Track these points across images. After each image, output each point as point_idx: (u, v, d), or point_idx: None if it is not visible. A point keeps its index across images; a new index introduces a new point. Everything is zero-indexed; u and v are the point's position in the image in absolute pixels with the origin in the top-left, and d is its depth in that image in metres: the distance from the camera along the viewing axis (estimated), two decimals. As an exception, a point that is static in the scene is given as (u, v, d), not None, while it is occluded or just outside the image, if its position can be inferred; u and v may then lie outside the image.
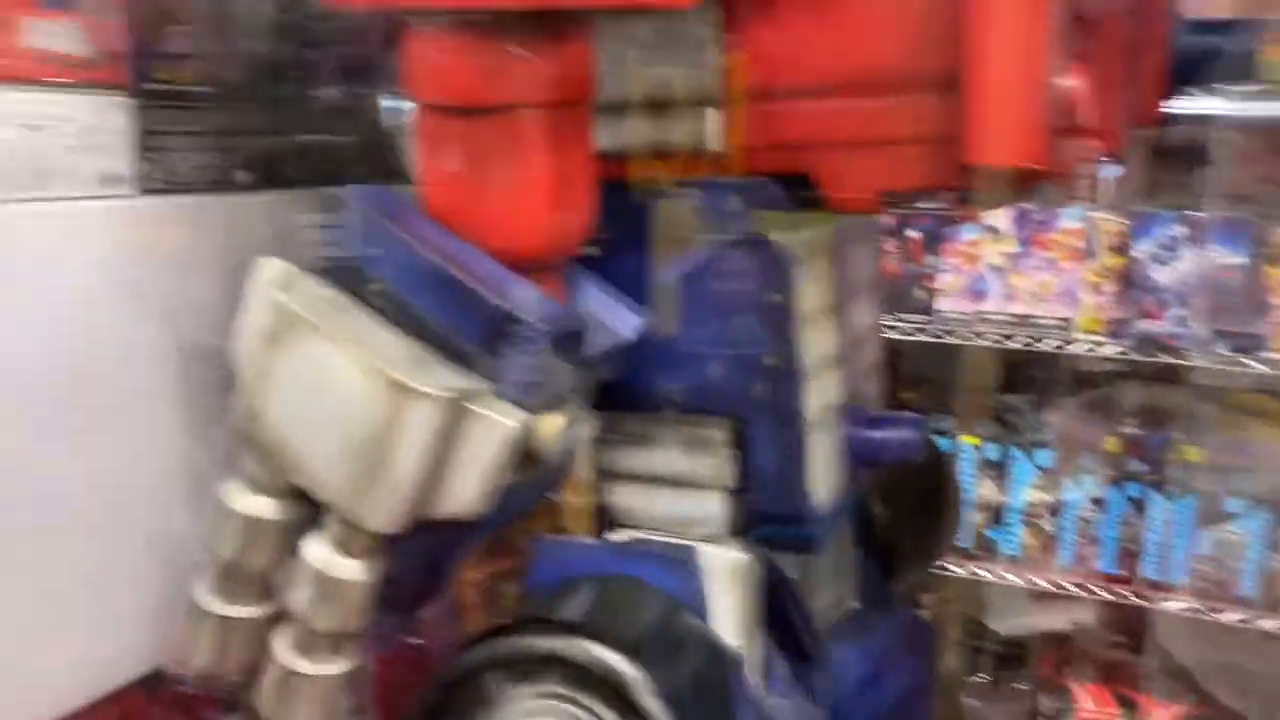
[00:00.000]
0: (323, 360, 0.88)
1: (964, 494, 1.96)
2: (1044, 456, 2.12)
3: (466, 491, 0.88)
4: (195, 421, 1.07)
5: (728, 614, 1.07)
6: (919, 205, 1.91)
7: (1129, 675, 2.16)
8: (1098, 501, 2.07)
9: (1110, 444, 2.10)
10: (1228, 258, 1.94)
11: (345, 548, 0.90)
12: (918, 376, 2.17)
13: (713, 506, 1.09)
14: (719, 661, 1.06)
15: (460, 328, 0.91)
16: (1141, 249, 2.00)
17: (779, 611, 1.13)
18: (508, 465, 0.88)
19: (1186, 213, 1.96)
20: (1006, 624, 2.23)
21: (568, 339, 0.95)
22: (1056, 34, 0.89)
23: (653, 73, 1.02)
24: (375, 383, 0.85)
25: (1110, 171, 1.99)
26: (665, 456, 1.10)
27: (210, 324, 1.04)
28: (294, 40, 1.24)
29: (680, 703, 0.96)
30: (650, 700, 0.95)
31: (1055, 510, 2.10)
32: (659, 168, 1.05)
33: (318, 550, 0.91)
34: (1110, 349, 2.04)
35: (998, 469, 2.13)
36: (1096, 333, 2.04)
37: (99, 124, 1.01)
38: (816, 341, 1.08)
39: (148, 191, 1.05)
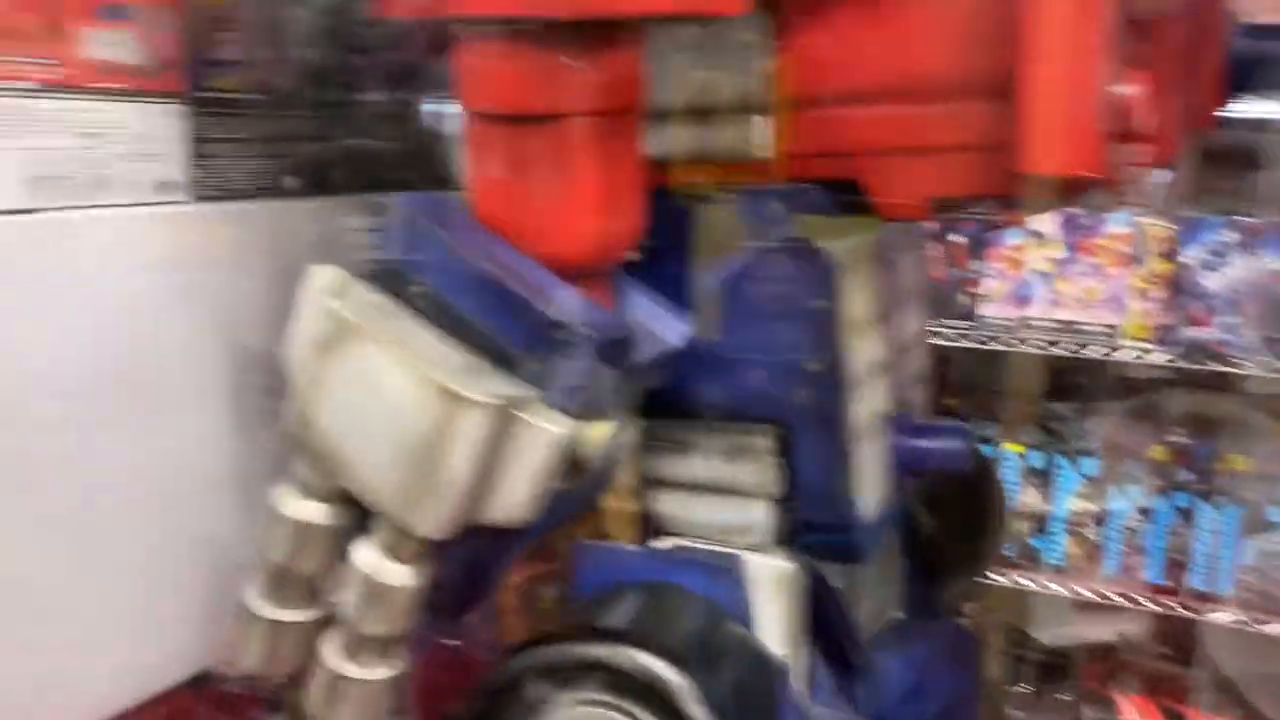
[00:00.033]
0: (374, 367, 0.88)
1: (1009, 503, 1.94)
2: (1089, 465, 2.09)
3: (515, 498, 0.88)
4: (245, 424, 1.08)
5: (773, 623, 1.07)
6: (967, 212, 1.90)
7: (1176, 687, 2.13)
8: (1144, 511, 2.05)
9: (1157, 452, 2.07)
10: (1279, 264, 1.91)
11: (394, 553, 0.91)
12: (961, 383, 2.15)
13: (757, 515, 1.08)
14: (764, 670, 1.05)
15: (508, 334, 0.92)
16: (1190, 255, 1.98)
17: (823, 621, 1.12)
18: (555, 472, 0.88)
19: (1237, 218, 1.93)
20: (1051, 634, 2.21)
21: (615, 346, 0.95)
22: (1112, 39, 0.88)
23: (699, 78, 1.02)
24: (426, 390, 0.85)
25: (1159, 176, 1.96)
26: (709, 464, 1.09)
27: (261, 328, 1.06)
28: (341, 46, 1.25)
29: (725, 711, 0.96)
30: (696, 708, 0.95)
31: (1100, 519, 2.08)
32: (701, 174, 1.04)
33: (367, 555, 0.91)
34: (1158, 356, 2.01)
35: (1042, 477, 2.11)
36: (1144, 340, 2.02)
37: (154, 132, 1.03)
38: (863, 349, 1.07)
39: (201, 198, 1.07)
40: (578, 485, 0.93)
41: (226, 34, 1.11)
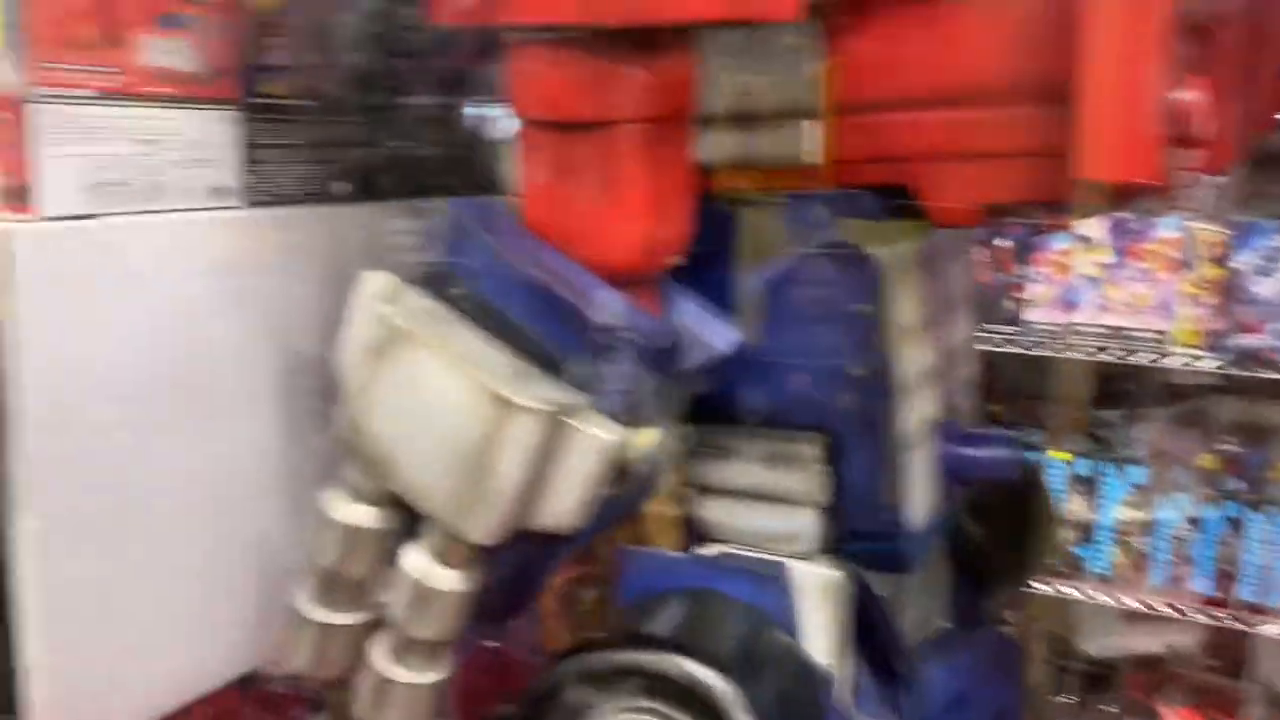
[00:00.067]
0: (426, 373, 0.89)
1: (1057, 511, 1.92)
2: (1136, 473, 2.06)
3: (564, 504, 0.88)
4: (295, 428, 1.09)
5: (818, 631, 1.06)
6: (1015, 217, 1.88)
7: (1224, 701, 2.09)
8: (1193, 521, 2.01)
9: (1206, 461, 2.03)
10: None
11: (444, 558, 0.91)
12: (1006, 389, 2.13)
13: (804, 522, 1.07)
14: (809, 679, 1.05)
15: (557, 340, 0.92)
16: (1242, 260, 1.94)
17: (869, 629, 1.11)
18: (604, 479, 0.88)
19: (1289, 223, 1.90)
20: (1098, 644, 2.18)
21: (663, 352, 0.94)
22: (1170, 44, 0.86)
23: (747, 83, 1.01)
24: (477, 396, 0.86)
25: (1211, 180, 1.93)
26: (756, 471, 1.09)
27: (311, 333, 1.07)
28: (388, 52, 1.26)
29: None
30: (742, 717, 0.94)
31: (1148, 528, 2.04)
32: (747, 179, 1.04)
33: (417, 560, 0.92)
34: (1208, 363, 1.98)
35: (1088, 485, 2.08)
36: (1194, 346, 1.98)
37: (208, 138, 1.04)
38: (912, 356, 1.06)
39: (253, 204, 1.08)
40: (624, 491, 0.93)
41: (276, 40, 1.12)
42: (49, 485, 0.90)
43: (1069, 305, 2.06)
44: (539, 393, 0.87)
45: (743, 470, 1.10)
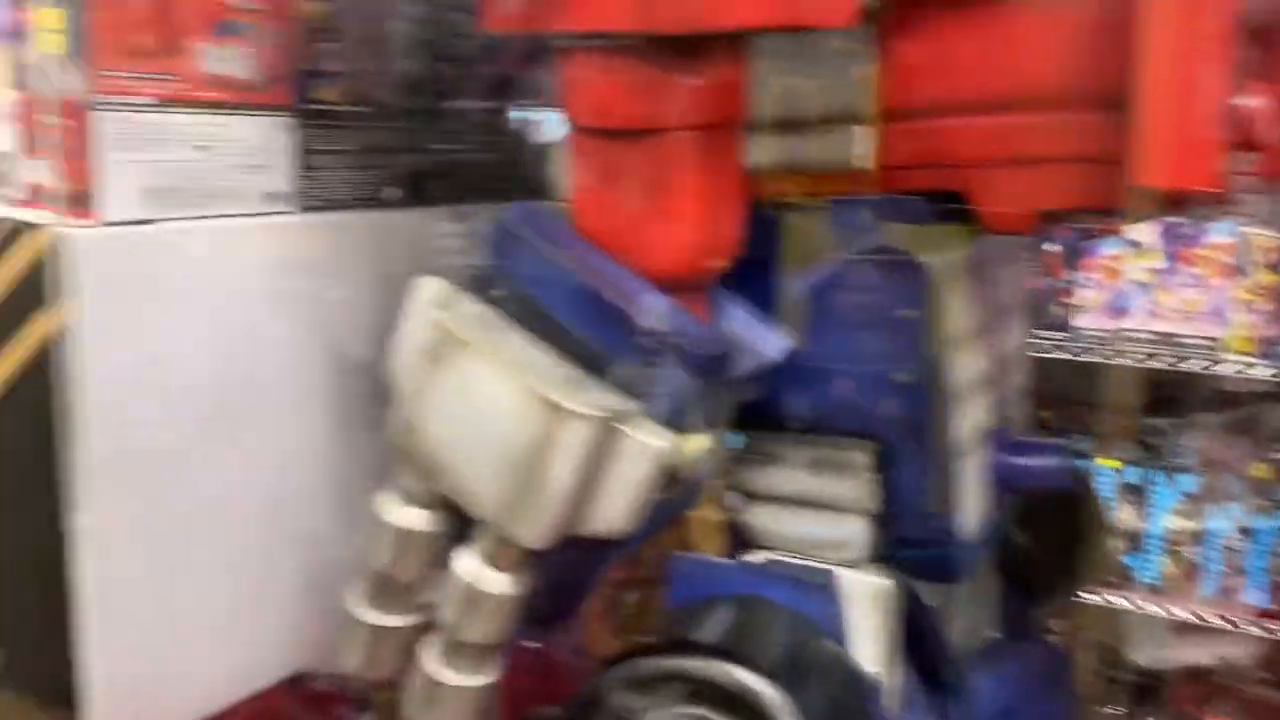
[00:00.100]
0: (479, 378, 0.89)
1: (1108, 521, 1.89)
2: (1187, 481, 2.03)
3: (614, 510, 0.88)
4: (347, 432, 1.10)
5: (867, 640, 1.05)
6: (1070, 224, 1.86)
7: (1276, 715, 2.05)
8: (1245, 530, 1.98)
9: (1259, 470, 2.00)
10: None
11: (495, 562, 0.92)
12: (1054, 395, 2.10)
13: (853, 530, 1.07)
14: (857, 688, 1.04)
15: (608, 346, 0.92)
16: (1298, 266, 1.91)
17: (917, 638, 1.10)
18: (654, 485, 0.88)
19: (1348, 229, 1.86)
20: (1148, 655, 2.14)
21: (713, 359, 0.94)
22: (1231, 49, 0.85)
23: (797, 87, 1.01)
24: (529, 401, 0.86)
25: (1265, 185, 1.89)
26: (805, 478, 1.08)
27: (362, 336, 1.08)
28: (437, 58, 1.27)
29: (818, 728, 0.95)
30: (791, 725, 0.94)
31: (1198, 538, 2.01)
32: (796, 184, 1.03)
33: (468, 563, 0.92)
34: (1261, 370, 1.94)
35: (1137, 493, 2.05)
36: (1247, 353, 1.95)
37: (263, 144, 1.05)
38: (964, 363, 1.05)
39: (306, 209, 1.09)
40: (672, 497, 0.93)
41: (328, 46, 1.14)
42: (107, 485, 0.92)
43: (1119, 311, 2.03)
44: (591, 398, 0.87)
45: (789, 476, 1.09)
